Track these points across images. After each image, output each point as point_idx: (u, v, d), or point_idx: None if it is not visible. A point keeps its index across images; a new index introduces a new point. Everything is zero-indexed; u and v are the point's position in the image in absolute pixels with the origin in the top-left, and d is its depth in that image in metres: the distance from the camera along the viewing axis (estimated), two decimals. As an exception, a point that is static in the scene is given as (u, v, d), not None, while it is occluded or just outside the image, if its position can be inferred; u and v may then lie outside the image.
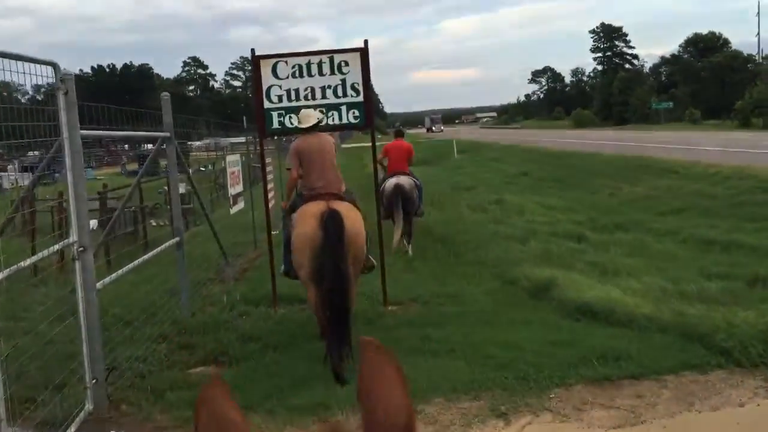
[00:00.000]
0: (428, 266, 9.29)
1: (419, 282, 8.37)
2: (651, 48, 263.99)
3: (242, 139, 17.48)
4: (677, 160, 20.33)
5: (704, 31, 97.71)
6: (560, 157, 28.03)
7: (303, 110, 6.47)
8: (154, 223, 15.34)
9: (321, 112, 7.21)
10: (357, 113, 7.25)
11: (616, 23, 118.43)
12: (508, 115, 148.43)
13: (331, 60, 7.20)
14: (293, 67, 7.21)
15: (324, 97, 7.22)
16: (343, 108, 7.24)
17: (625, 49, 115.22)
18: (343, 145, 65.92)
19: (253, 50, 7.23)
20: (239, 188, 10.69)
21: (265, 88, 7.22)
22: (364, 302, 7.45)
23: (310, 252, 5.29)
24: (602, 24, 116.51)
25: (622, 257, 10.53)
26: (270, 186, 15.42)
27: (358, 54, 7.21)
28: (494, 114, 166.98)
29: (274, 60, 7.24)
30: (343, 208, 5.51)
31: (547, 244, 11.15)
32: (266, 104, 7.24)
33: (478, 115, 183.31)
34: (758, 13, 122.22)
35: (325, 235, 5.22)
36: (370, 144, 8.12)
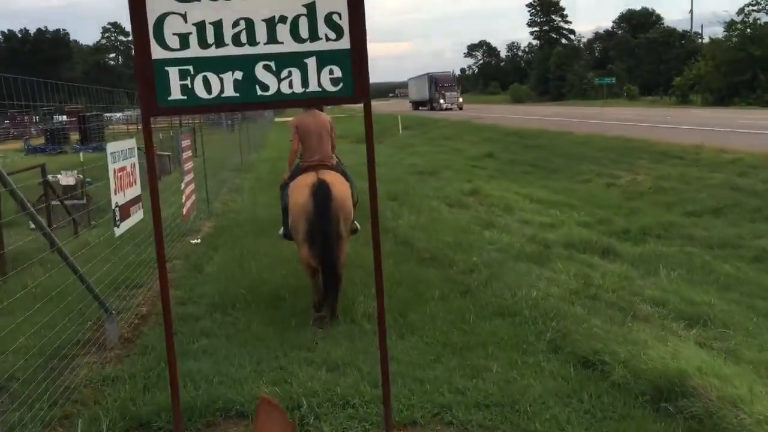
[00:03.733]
0: (432, 319, 5.92)
1: (430, 358, 5.00)
2: (583, 24, 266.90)
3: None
4: (669, 141, 17.58)
5: (637, 7, 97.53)
6: (523, 136, 25.09)
7: None
8: (33, 226, 11.37)
9: (268, 70, 3.69)
10: (338, 73, 3.70)
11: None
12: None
13: (287, -34, 3.64)
14: (210, -21, 3.62)
15: (273, 40, 3.65)
16: (311, 62, 3.69)
17: (562, 24, 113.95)
18: (277, 119, 59.18)
19: (125, -59, 3.61)
20: (134, 191, 6.98)
21: (152, 21, 3.61)
22: (356, 427, 4.06)
23: (305, 217, 5.95)
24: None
25: (690, 288, 7.48)
26: (189, 178, 11.65)
27: (340, -46, 3.65)
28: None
29: (170, -37, 3.61)
30: (332, 177, 6.15)
31: (578, 266, 8.04)
32: (156, 53, 3.65)
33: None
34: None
35: (314, 202, 5.92)
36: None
